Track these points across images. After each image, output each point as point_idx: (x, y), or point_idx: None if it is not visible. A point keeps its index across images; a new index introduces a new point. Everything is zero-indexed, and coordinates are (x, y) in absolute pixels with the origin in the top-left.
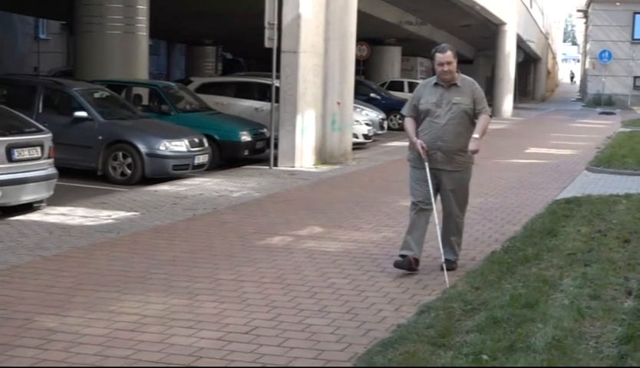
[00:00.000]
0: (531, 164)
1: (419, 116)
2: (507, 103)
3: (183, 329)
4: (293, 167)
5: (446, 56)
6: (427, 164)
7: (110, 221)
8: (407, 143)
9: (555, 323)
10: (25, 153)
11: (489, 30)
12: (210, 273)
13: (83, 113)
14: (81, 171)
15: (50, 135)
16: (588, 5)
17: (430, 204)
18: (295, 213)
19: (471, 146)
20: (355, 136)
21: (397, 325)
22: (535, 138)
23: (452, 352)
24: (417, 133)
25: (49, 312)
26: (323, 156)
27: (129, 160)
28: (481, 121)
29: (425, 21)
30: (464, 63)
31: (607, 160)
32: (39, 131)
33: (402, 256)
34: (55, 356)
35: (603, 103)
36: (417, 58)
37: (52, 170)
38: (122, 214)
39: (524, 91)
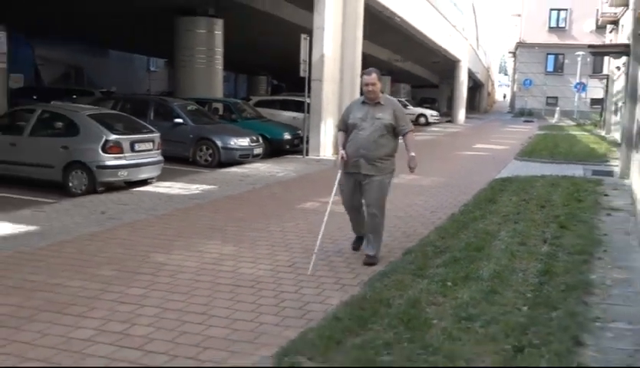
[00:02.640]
0: (477, 155)
1: (348, 129)
2: (461, 113)
3: (247, 263)
4: (319, 156)
5: (371, 78)
6: (343, 171)
7: (198, 191)
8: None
9: (495, 261)
10: (142, 146)
11: (450, 64)
12: (265, 226)
13: (179, 120)
14: (178, 158)
15: (158, 134)
16: (516, 49)
17: (353, 205)
18: (321, 187)
19: (411, 164)
20: None
21: (389, 262)
22: (480, 137)
23: (427, 280)
24: (346, 143)
25: (159, 251)
26: (338, 148)
27: (210, 151)
28: (409, 140)
29: (407, 59)
30: (431, 87)
31: (528, 152)
32: (151, 131)
33: (359, 238)
34: (164, 280)
35: (526, 115)
36: (401, 84)
37: (160, 157)
38: (206, 187)
39: (472, 106)
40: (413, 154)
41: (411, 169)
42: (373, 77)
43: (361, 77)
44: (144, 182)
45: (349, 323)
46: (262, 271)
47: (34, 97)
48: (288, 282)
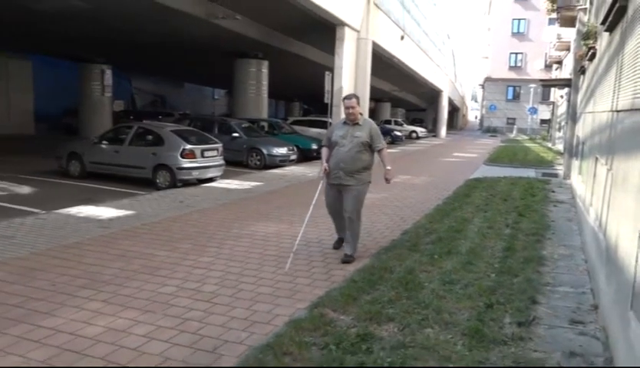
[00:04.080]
0: (455, 161)
1: (331, 146)
2: (443, 130)
3: (286, 239)
4: None
5: (351, 102)
6: (326, 181)
7: (249, 187)
8: (395, 151)
9: (470, 240)
10: (209, 153)
11: (434, 93)
12: (300, 212)
13: (236, 134)
14: (235, 162)
15: (221, 144)
16: (484, 82)
17: (335, 211)
18: None
19: (389, 176)
20: None
21: (391, 240)
22: (457, 148)
23: (419, 253)
24: (329, 158)
25: (222, 230)
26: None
27: (258, 157)
28: (384, 156)
29: (402, 89)
30: (420, 110)
31: (494, 159)
32: (216, 142)
33: (340, 239)
34: (225, 252)
35: (491, 131)
36: (399, 108)
37: (222, 162)
38: (255, 183)
39: (451, 125)
40: (389, 168)
41: (387, 181)
42: (353, 101)
43: (343, 101)
44: (210, 180)
45: (362, 285)
46: (298, 245)
47: (131, 117)
48: (317, 254)
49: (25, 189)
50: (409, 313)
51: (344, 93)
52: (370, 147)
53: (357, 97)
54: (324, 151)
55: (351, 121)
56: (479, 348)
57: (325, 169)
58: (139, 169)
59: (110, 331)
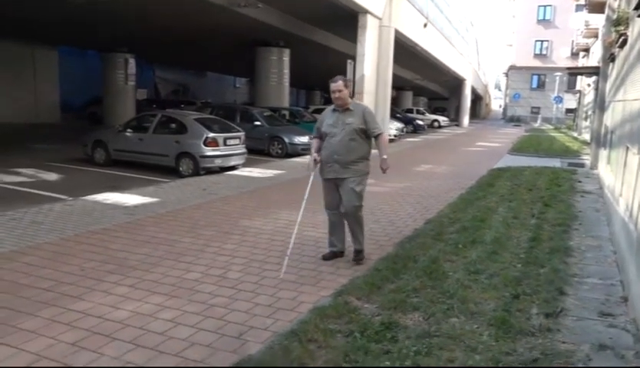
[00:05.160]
0: (478, 150)
1: (322, 137)
2: (466, 119)
3: (308, 227)
4: None
5: (337, 85)
6: (312, 174)
7: (271, 175)
8: (417, 140)
9: (495, 230)
10: (232, 141)
11: (457, 82)
12: (320, 201)
13: (258, 122)
14: (257, 150)
15: (243, 133)
16: (508, 70)
17: (334, 208)
18: None
19: (383, 166)
20: (389, 135)
21: (414, 229)
22: (480, 137)
23: (443, 243)
24: (321, 149)
25: (245, 218)
26: (373, 145)
27: (280, 145)
28: (381, 142)
29: (425, 78)
30: (443, 99)
31: (518, 148)
32: (238, 131)
33: (332, 251)
34: (249, 239)
35: (515, 120)
36: (421, 97)
37: (244, 150)
38: (277, 172)
39: (474, 114)
40: (385, 157)
41: (383, 171)
42: (339, 84)
43: (329, 84)
44: (233, 168)
45: (386, 273)
46: (320, 233)
47: (154, 106)
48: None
49: (53, 176)
50: (434, 303)
51: (366, 82)
52: (365, 134)
53: (344, 80)
54: (315, 142)
55: (340, 107)
56: (505, 339)
57: (316, 160)
58: (162, 156)
59: (137, 315)
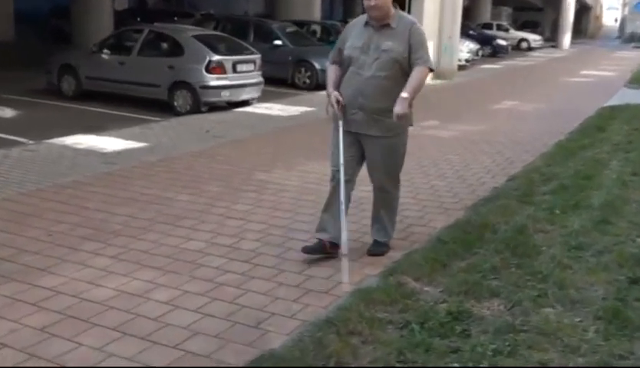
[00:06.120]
0: (583, 81)
1: (344, 64)
2: (566, 38)
3: None
4: None
5: None
6: (340, 123)
7: (297, 113)
8: (497, 66)
9: (606, 190)
10: (244, 67)
11: None
12: None
13: (279, 42)
14: (277, 80)
15: (259, 55)
16: None
17: (346, 174)
18: (419, 111)
19: (396, 109)
20: (460, 59)
21: (493, 187)
22: (586, 63)
23: (533, 206)
24: (340, 85)
25: (262, 169)
26: (437, 73)
27: (309, 73)
28: (414, 75)
29: None
30: (534, 10)
31: (639, 80)
32: (252, 53)
33: (319, 242)
34: (268, 198)
35: (636, 40)
36: (503, 7)
37: (260, 79)
38: (304, 109)
39: (578, 30)
40: (405, 95)
41: (397, 117)
42: None
43: None
44: (245, 103)
45: (454, 247)
46: (364, 192)
47: (138, 19)
48: None
49: (7, 113)
50: (520, 287)
51: None
52: (409, 66)
53: None
54: (331, 71)
55: (377, 21)
56: (619, 337)
57: (339, 101)
58: (151, 87)
59: (124, 295)
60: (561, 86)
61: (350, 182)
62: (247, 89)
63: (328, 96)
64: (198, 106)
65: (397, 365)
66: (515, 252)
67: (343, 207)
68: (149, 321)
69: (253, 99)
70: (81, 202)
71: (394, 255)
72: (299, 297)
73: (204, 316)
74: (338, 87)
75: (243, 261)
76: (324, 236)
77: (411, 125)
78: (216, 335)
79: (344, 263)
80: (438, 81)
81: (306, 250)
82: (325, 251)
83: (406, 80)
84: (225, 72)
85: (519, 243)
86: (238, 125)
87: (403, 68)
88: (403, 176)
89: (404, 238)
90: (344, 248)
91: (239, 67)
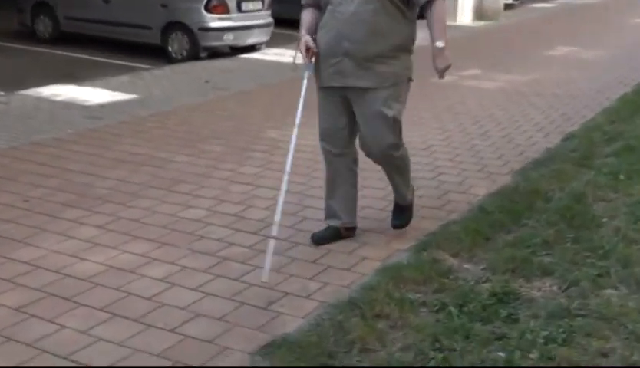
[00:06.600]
0: None
1: (322, 5)
2: None
3: None
4: (455, 22)
5: None
6: (306, 75)
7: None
8: (550, 5)
9: None
10: (250, 6)
11: None
12: None
13: None
14: (288, 21)
15: None
16: None
17: (339, 145)
18: (459, 58)
19: (438, 64)
20: None
21: (546, 148)
22: None
23: (593, 171)
24: (316, 29)
25: (271, 126)
26: (480, 13)
27: None
28: (437, 14)
29: None
30: None
31: None
32: None
33: (330, 227)
34: (279, 159)
35: None
36: None
37: (269, 19)
38: None
39: None
40: (440, 45)
41: (439, 73)
42: None
43: None
44: (252, 48)
45: (499, 217)
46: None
47: None
48: (426, 167)
49: None
50: (577, 265)
51: None
52: (406, 1)
53: None
54: (306, 15)
55: None
56: None
57: (309, 49)
58: (141, 29)
59: (112, 270)
60: (628, 28)
61: (342, 151)
62: (254, 31)
63: (299, 40)
64: (196, 52)
65: (432, 353)
66: (571, 224)
67: (286, 178)
68: (142, 301)
69: (261, 43)
70: (62, 163)
71: (428, 226)
72: (316, 275)
73: (205, 295)
74: (313, 33)
75: (251, 232)
76: (336, 223)
77: (411, 79)
78: (219, 317)
79: (270, 248)
80: (481, 23)
81: (315, 238)
82: (341, 236)
83: (398, 14)
84: (228, 11)
85: (577, 213)
86: (243, 74)
87: (394, 1)
88: (439, 135)
89: (440, 206)
90: (274, 229)
91: (245, 6)
